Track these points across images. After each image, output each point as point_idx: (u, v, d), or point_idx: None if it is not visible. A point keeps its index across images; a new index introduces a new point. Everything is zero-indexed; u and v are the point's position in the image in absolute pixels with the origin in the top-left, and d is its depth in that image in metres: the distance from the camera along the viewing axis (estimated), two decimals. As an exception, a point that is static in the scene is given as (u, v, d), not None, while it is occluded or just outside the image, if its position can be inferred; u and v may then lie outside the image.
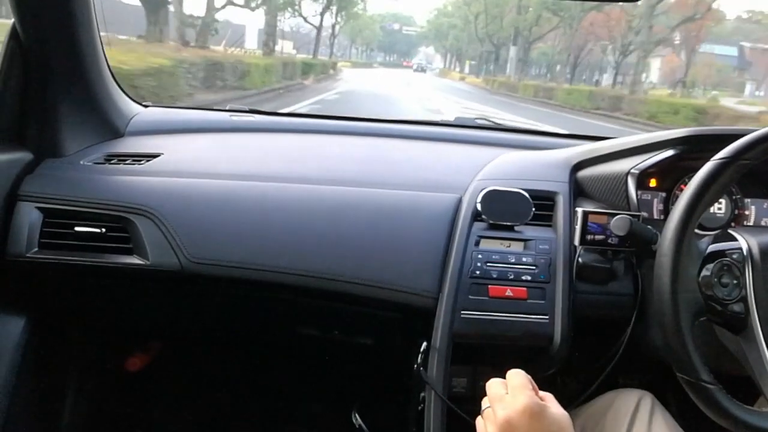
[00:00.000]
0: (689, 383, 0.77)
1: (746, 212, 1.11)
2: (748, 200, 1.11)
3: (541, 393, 0.71)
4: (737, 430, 0.76)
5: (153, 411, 1.62)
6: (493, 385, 0.73)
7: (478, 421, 0.74)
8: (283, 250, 1.06)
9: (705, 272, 0.83)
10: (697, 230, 0.84)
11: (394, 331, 1.15)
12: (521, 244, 1.05)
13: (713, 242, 0.87)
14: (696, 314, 0.81)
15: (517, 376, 0.71)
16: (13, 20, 1.10)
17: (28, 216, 1.08)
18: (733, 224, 1.10)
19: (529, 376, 0.72)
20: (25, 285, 1.16)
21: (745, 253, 0.82)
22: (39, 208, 1.09)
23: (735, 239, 0.85)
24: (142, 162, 1.22)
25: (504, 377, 0.73)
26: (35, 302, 1.20)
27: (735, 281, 0.82)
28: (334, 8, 25.81)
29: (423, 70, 49.23)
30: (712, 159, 0.81)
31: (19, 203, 1.09)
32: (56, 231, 1.08)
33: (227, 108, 1.62)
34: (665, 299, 0.79)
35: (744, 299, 0.80)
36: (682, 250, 0.80)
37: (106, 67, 1.30)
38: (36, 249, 1.07)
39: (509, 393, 0.70)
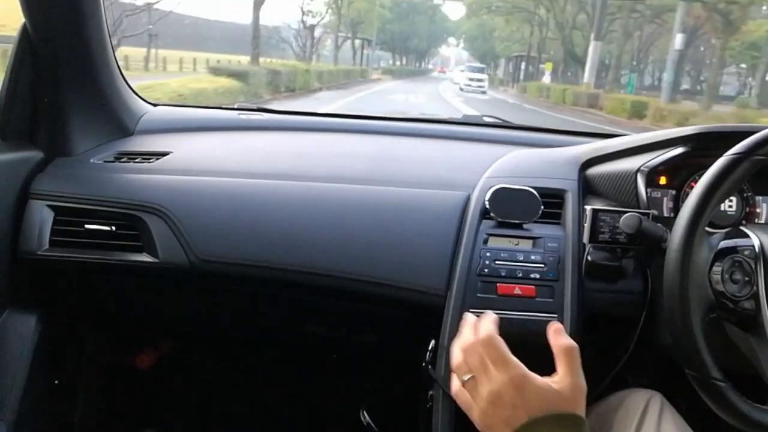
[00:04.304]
0: (698, 380, 0.77)
1: (758, 210, 1.09)
2: (759, 198, 1.09)
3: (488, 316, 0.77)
4: (747, 428, 0.75)
5: (163, 408, 1.63)
6: (468, 348, 0.74)
7: (459, 391, 0.74)
8: (292, 248, 1.06)
9: (716, 268, 0.83)
10: (708, 228, 0.83)
11: (403, 329, 1.15)
12: (530, 242, 1.05)
13: (725, 238, 0.86)
14: (706, 311, 0.80)
15: (485, 322, 0.75)
16: (23, 20, 1.11)
17: (39, 214, 1.09)
18: (744, 222, 1.09)
19: (496, 316, 0.77)
20: (36, 282, 1.17)
21: (757, 250, 0.81)
22: (50, 206, 1.10)
23: (747, 236, 0.84)
24: (151, 160, 1.22)
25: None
26: (46, 299, 1.20)
27: (746, 278, 0.81)
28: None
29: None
30: (725, 154, 0.80)
31: (30, 201, 1.10)
32: (67, 229, 1.09)
33: (236, 106, 1.62)
34: (675, 295, 0.78)
35: (755, 296, 0.79)
36: (693, 245, 0.79)
37: (116, 66, 1.30)
38: (47, 247, 1.08)
39: (492, 363, 0.70)
